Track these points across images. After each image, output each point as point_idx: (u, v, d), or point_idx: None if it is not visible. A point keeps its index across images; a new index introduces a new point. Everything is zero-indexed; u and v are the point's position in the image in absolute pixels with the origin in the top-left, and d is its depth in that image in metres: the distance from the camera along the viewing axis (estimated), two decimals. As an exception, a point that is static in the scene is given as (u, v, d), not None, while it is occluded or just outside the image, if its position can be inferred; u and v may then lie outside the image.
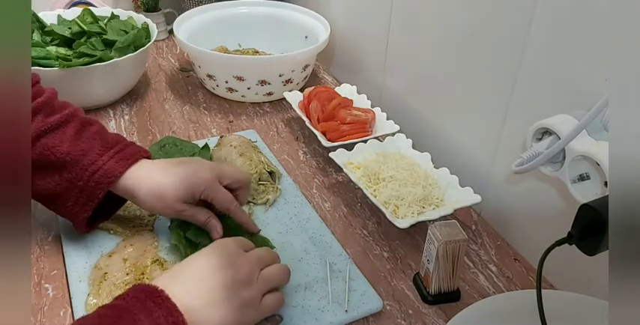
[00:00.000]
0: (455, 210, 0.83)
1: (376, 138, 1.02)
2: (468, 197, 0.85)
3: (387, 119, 1.04)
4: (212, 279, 0.60)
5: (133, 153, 0.76)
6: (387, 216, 0.81)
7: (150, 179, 0.74)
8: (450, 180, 0.88)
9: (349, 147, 0.97)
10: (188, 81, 1.27)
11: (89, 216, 0.76)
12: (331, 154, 0.93)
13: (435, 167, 0.92)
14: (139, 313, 0.54)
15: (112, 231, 0.82)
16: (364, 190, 0.85)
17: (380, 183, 0.88)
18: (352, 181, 0.88)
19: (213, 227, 0.76)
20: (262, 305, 0.63)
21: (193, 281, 0.60)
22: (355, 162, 0.94)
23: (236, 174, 0.79)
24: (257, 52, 1.33)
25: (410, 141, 0.97)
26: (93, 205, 0.74)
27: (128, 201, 0.79)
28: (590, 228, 0.52)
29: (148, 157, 0.78)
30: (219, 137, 1.01)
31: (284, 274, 0.67)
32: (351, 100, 1.08)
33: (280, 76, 1.15)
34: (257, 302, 0.63)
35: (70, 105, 0.79)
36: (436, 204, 0.86)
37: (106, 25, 1.15)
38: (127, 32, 1.14)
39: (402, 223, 0.79)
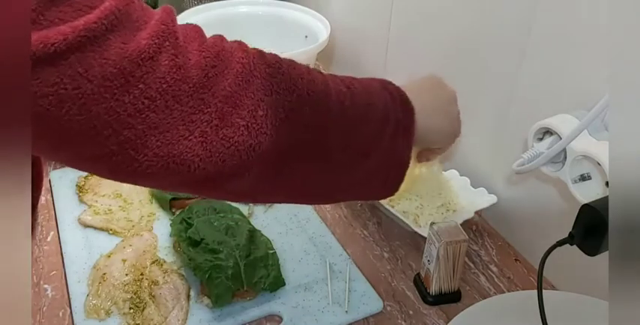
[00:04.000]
0: (475, 213, 0.83)
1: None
2: (483, 198, 0.85)
3: (387, 119, 1.04)
4: (438, 91, 0.65)
5: None
6: (412, 226, 0.81)
7: None
8: (461, 181, 0.88)
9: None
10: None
11: None
12: None
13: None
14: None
15: (111, 232, 0.82)
16: (383, 204, 0.84)
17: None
18: None
19: None
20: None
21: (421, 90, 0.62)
22: None
23: None
24: (257, 52, 1.33)
25: None
26: None
27: (120, 203, 0.78)
28: (591, 228, 0.51)
29: None
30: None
31: None
32: (351, 100, 1.07)
33: (280, 75, 1.15)
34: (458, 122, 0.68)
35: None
36: (453, 208, 0.85)
37: (105, 24, 1.15)
38: (126, 32, 1.14)
39: (426, 232, 0.79)
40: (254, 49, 0.48)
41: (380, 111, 0.54)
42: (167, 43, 0.41)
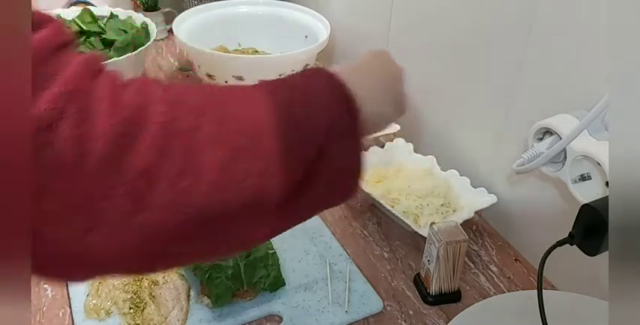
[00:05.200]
0: (475, 213, 0.83)
1: (376, 138, 1.02)
2: (483, 198, 0.85)
3: (387, 119, 1.04)
4: (386, 69, 0.58)
5: None
6: (412, 226, 0.81)
7: None
8: (461, 181, 0.88)
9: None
10: (188, 81, 1.27)
11: None
12: None
13: (441, 169, 0.92)
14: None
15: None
16: (383, 204, 0.84)
17: (395, 194, 0.87)
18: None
19: None
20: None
21: (369, 71, 0.57)
22: (366, 176, 0.92)
23: None
24: (257, 52, 1.33)
25: (411, 144, 0.97)
26: None
27: None
28: (591, 228, 0.52)
29: None
30: (218, 137, 1.01)
31: None
32: (351, 100, 1.07)
33: (280, 75, 1.14)
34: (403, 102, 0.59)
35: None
36: (454, 208, 0.85)
37: (105, 24, 1.15)
38: (126, 32, 1.14)
39: (426, 232, 0.78)
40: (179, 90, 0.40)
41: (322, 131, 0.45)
42: (71, 107, 0.32)
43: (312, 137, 0.44)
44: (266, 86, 0.47)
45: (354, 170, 0.49)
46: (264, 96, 0.44)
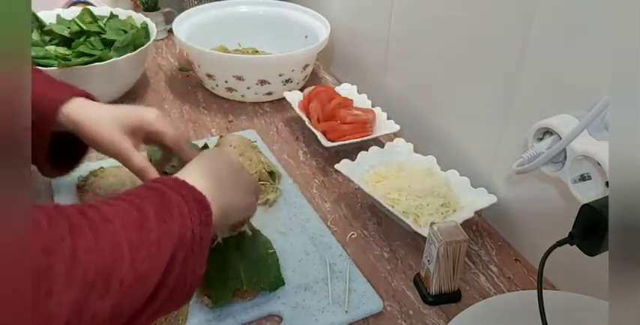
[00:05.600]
0: (475, 213, 0.83)
1: (376, 138, 1.02)
2: (483, 198, 0.85)
3: (388, 119, 1.04)
4: (220, 168, 0.63)
5: (76, 87, 0.75)
6: (412, 226, 0.81)
7: (94, 106, 0.73)
8: (461, 181, 0.88)
9: (350, 151, 0.96)
10: (187, 81, 1.27)
11: (54, 160, 0.75)
12: (337, 166, 0.90)
13: (441, 169, 0.92)
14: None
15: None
16: (383, 204, 0.84)
17: (395, 194, 0.87)
18: (367, 193, 0.86)
19: (152, 174, 0.72)
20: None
21: (205, 171, 0.61)
22: (366, 176, 0.92)
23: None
24: (257, 52, 1.33)
25: (411, 145, 0.97)
26: (45, 142, 0.72)
27: None
28: (591, 228, 0.52)
29: (93, 99, 0.76)
30: (218, 137, 1.01)
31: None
32: (351, 100, 1.07)
33: (280, 75, 1.15)
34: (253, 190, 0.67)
35: None
36: (454, 208, 0.85)
37: (105, 24, 1.15)
38: (126, 32, 1.14)
39: (426, 232, 0.78)
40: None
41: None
42: None
43: (159, 264, 0.48)
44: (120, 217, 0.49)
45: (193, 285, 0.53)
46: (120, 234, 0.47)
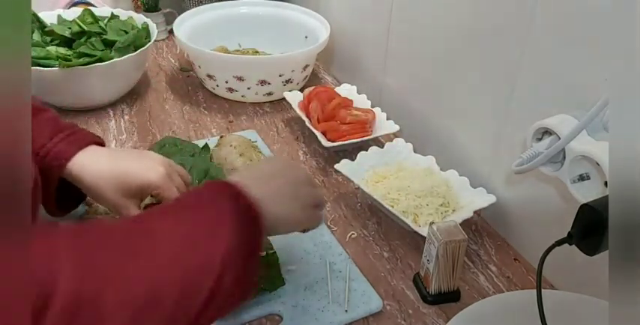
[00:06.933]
0: (474, 213, 0.83)
1: (376, 138, 1.03)
2: (483, 198, 0.85)
3: (387, 119, 1.04)
4: (279, 177, 0.61)
5: (84, 137, 0.74)
6: (411, 226, 0.81)
7: (96, 164, 0.71)
8: (460, 181, 0.89)
9: (350, 151, 0.97)
10: (188, 82, 1.27)
11: (60, 202, 0.75)
12: (337, 166, 0.91)
13: (440, 169, 0.92)
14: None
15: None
16: (383, 204, 0.84)
17: (395, 194, 0.87)
18: (366, 192, 0.86)
19: None
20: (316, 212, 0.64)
21: (261, 179, 0.60)
22: (366, 176, 0.92)
23: (184, 173, 0.78)
24: (257, 52, 1.33)
25: (410, 145, 0.97)
26: (51, 190, 0.72)
27: None
28: (590, 228, 0.52)
29: (101, 144, 0.76)
30: (219, 137, 1.01)
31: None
32: (351, 100, 1.07)
33: (280, 75, 1.15)
34: (314, 204, 0.64)
35: None
36: (453, 207, 0.85)
37: (106, 25, 1.15)
38: (127, 32, 1.14)
39: (426, 231, 0.78)
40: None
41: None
42: None
43: (208, 278, 0.47)
44: (167, 232, 0.49)
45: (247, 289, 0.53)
46: (165, 248, 0.47)
